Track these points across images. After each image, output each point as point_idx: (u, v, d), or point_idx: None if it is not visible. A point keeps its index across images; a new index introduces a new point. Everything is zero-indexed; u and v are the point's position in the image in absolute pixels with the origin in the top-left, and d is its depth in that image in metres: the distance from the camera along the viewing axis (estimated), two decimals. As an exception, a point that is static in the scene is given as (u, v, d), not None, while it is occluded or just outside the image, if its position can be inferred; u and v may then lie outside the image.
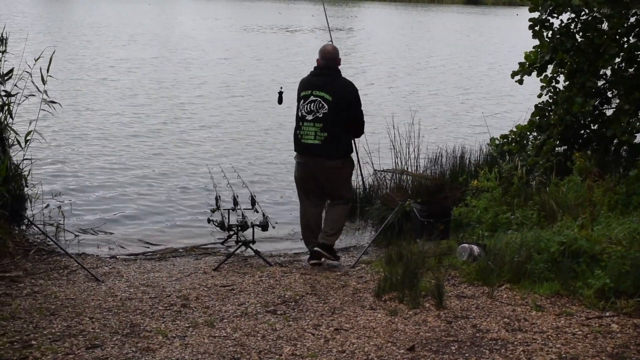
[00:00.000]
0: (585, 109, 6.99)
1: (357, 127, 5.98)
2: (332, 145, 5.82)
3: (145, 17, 33.33)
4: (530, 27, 7.49)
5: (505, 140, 8.04)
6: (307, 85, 5.92)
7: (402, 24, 38.75)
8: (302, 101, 5.89)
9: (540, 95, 7.79)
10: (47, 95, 6.34)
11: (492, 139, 8.20)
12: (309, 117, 5.83)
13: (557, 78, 7.65)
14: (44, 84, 6.33)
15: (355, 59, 21.70)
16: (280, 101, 6.46)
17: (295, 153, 6.08)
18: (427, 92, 17.08)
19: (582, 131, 7.54)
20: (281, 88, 6.49)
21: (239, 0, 49.59)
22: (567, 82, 7.44)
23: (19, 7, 33.17)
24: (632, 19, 7.18)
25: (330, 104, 5.78)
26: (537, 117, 7.67)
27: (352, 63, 20.21)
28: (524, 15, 8.12)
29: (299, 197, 6.20)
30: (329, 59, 5.92)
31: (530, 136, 7.87)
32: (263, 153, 10.56)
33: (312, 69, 6.03)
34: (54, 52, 6.69)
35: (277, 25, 31.51)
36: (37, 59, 6.45)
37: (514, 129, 8.05)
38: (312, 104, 5.82)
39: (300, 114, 5.90)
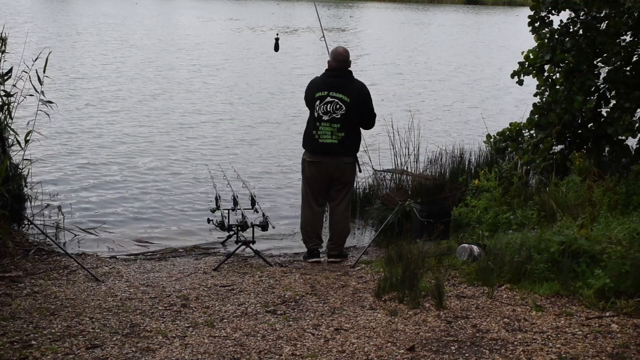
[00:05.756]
0: (586, 106, 7.01)
1: (369, 122, 6.21)
2: (348, 143, 6.05)
3: (139, 18, 33.28)
4: (530, 24, 7.50)
5: (501, 137, 8.05)
6: (322, 86, 6.03)
7: (401, 23, 38.74)
8: (317, 101, 5.99)
9: (537, 95, 7.79)
10: (44, 95, 6.33)
11: (488, 136, 8.19)
12: (325, 118, 5.98)
13: (555, 77, 7.65)
14: (41, 85, 6.32)
15: (355, 59, 21.69)
16: (276, 48, 6.57)
17: (307, 152, 6.14)
18: (427, 92, 17.08)
19: (580, 130, 7.55)
20: (277, 34, 6.60)
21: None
22: (564, 81, 7.45)
23: (19, 7, 33.16)
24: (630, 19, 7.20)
25: (348, 105, 5.97)
26: (537, 116, 7.68)
27: (351, 63, 20.18)
28: (523, 16, 8.13)
29: (305, 196, 6.26)
30: (341, 61, 6.11)
31: (527, 134, 7.87)
32: (263, 153, 10.56)
33: (324, 71, 6.17)
34: (49, 53, 6.68)
35: (271, 26, 31.45)
36: (36, 59, 6.45)
37: (509, 127, 8.06)
38: (329, 105, 5.96)
39: (316, 114, 6.00)
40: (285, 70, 18.90)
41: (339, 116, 5.96)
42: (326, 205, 6.43)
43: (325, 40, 7.03)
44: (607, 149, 7.56)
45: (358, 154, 6.23)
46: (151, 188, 8.60)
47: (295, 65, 19.80)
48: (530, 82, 7.98)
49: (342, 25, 34.48)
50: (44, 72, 6.33)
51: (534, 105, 7.80)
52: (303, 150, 6.27)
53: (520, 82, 7.74)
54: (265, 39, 25.68)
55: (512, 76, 7.78)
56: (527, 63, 7.64)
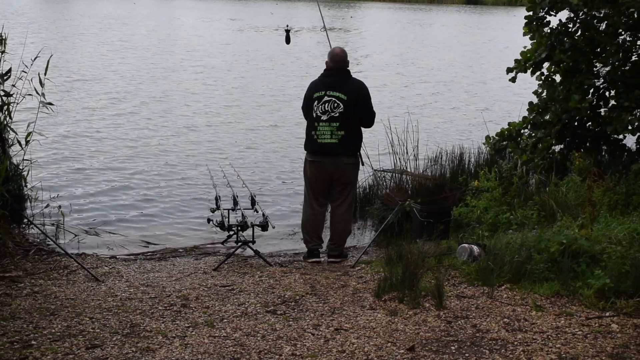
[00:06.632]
0: (583, 105, 7.02)
1: (369, 120, 6.20)
2: (348, 142, 6.04)
3: (139, 18, 33.27)
4: (526, 25, 7.49)
5: (500, 137, 8.05)
6: (320, 86, 6.06)
7: (401, 24, 38.73)
8: (315, 102, 6.02)
9: (536, 92, 7.79)
10: (44, 97, 6.34)
11: (487, 137, 8.19)
12: (324, 117, 5.99)
13: (553, 76, 7.65)
14: (42, 87, 6.32)
15: (355, 59, 21.69)
16: (287, 40, 6.56)
17: (308, 153, 6.15)
18: (427, 92, 17.08)
19: (579, 130, 7.55)
20: (287, 26, 6.60)
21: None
22: (563, 81, 7.45)
23: (19, 8, 33.16)
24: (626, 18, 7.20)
25: (346, 103, 5.98)
26: (533, 115, 7.69)
27: (351, 63, 20.20)
28: (520, 17, 8.12)
29: (307, 196, 6.28)
30: (338, 61, 6.13)
31: (525, 133, 7.87)
32: (263, 153, 10.57)
33: (323, 72, 6.17)
34: (51, 56, 6.67)
35: (272, 26, 31.44)
36: (35, 59, 6.45)
37: (507, 127, 8.05)
38: (327, 104, 5.97)
39: (315, 114, 6.01)
40: (285, 71, 18.90)
41: (337, 114, 5.96)
42: (327, 206, 6.44)
43: (326, 30, 7.00)
44: (604, 148, 7.58)
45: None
46: (151, 188, 8.60)
47: (295, 65, 19.80)
48: (532, 81, 7.97)
49: (342, 25, 34.48)
50: (45, 74, 6.33)
51: (530, 103, 7.81)
52: (305, 152, 6.28)
53: (513, 79, 7.72)
54: (265, 40, 25.69)
55: (508, 72, 7.78)
56: (522, 60, 7.64)
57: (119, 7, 38.17)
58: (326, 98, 6.00)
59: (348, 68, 6.17)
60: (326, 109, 5.99)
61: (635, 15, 7.07)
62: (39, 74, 6.31)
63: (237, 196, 6.52)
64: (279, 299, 4.90)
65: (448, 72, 20.89)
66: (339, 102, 5.97)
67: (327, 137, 6.00)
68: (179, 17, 35.71)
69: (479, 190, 7.04)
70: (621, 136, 7.44)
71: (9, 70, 6.25)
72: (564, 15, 7.48)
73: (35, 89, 6.35)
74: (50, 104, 6.48)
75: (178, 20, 33.97)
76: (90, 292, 4.97)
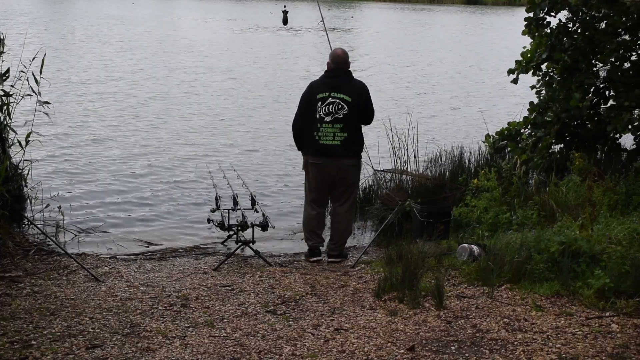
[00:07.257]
0: (583, 104, 7.03)
1: (369, 119, 6.22)
2: (350, 144, 6.04)
3: (140, 19, 33.29)
4: (526, 26, 7.50)
5: (500, 136, 8.05)
6: (323, 87, 6.06)
7: (401, 24, 38.73)
8: (319, 103, 6.00)
9: (534, 89, 7.80)
10: (40, 96, 6.34)
11: (487, 136, 8.19)
12: (328, 119, 5.98)
13: (552, 75, 7.66)
14: (38, 85, 6.32)
15: (355, 59, 21.69)
16: (285, 21, 6.56)
17: (308, 154, 6.15)
18: (427, 92, 17.08)
19: (579, 130, 7.56)
20: (285, 6, 6.60)
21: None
22: (562, 80, 7.45)
23: (19, 9, 33.17)
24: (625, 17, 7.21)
25: (350, 105, 5.99)
26: (534, 114, 7.70)
27: (353, 64, 20.18)
28: (519, 17, 8.13)
29: (308, 196, 6.28)
30: (340, 62, 6.12)
31: (526, 132, 7.88)
32: (263, 153, 10.57)
33: (324, 72, 6.17)
34: (45, 55, 6.66)
35: (271, 26, 31.44)
36: (33, 59, 6.44)
37: (507, 126, 8.06)
38: (331, 106, 5.97)
39: (318, 115, 6.00)
40: (285, 71, 18.89)
41: (341, 116, 5.97)
42: (328, 205, 6.44)
43: (326, 30, 6.98)
44: (603, 148, 7.58)
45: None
46: (151, 188, 8.60)
47: (296, 66, 19.79)
48: (531, 81, 7.98)
49: (343, 25, 34.48)
50: (40, 72, 6.33)
51: (531, 103, 7.82)
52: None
53: (515, 81, 7.73)
54: (265, 40, 25.69)
55: (509, 74, 7.79)
56: (524, 61, 7.64)
57: (118, 7, 38.18)
58: (330, 99, 5.99)
59: (349, 69, 6.16)
60: (330, 110, 5.98)
61: (635, 16, 7.07)
62: (32, 73, 6.30)
63: (237, 196, 6.53)
64: (279, 299, 4.90)
65: (449, 72, 20.87)
66: (344, 104, 5.97)
67: (329, 139, 5.99)
68: (179, 17, 35.71)
69: (479, 190, 7.04)
70: (618, 135, 7.44)
71: (7, 71, 6.25)
72: (563, 15, 7.49)
73: (32, 88, 6.35)
74: (47, 102, 6.48)
75: (178, 20, 33.96)
76: (90, 292, 4.98)
